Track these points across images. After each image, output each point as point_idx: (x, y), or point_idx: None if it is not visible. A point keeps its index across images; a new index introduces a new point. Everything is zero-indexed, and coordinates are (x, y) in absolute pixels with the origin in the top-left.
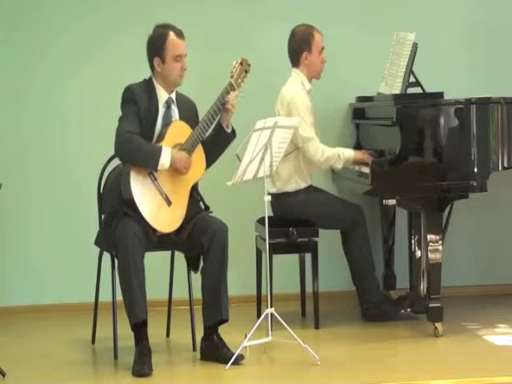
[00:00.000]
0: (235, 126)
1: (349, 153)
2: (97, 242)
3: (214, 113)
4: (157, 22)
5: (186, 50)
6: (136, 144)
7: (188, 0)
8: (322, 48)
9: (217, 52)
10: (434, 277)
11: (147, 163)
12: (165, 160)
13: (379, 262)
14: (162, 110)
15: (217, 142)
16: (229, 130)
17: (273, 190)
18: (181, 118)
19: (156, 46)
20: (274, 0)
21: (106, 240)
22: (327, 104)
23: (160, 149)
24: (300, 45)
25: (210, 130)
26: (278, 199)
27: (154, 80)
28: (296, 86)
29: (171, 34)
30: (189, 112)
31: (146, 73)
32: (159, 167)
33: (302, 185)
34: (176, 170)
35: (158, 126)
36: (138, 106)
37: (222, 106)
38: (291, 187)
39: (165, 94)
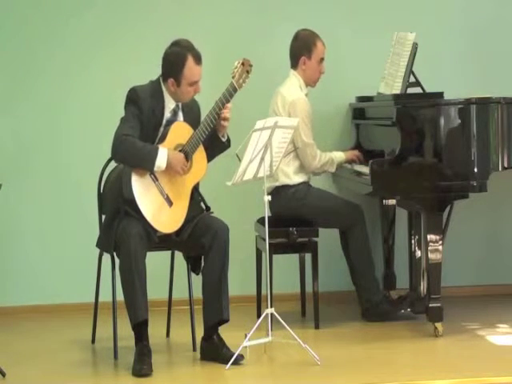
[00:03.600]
0: (236, 125)
1: (340, 156)
2: (98, 245)
3: (216, 113)
4: (161, 24)
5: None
6: (131, 145)
7: (193, 3)
8: (322, 59)
9: (220, 55)
10: (434, 277)
11: (143, 164)
12: (161, 161)
13: (379, 262)
14: (167, 115)
15: (210, 148)
16: (224, 139)
17: (274, 184)
18: (185, 120)
19: (173, 68)
20: (278, 1)
21: (108, 240)
22: (327, 104)
23: (156, 150)
24: (300, 48)
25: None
26: (279, 191)
27: (163, 86)
28: (296, 88)
29: (190, 60)
30: (192, 114)
31: (151, 74)
32: (155, 168)
33: (303, 179)
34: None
35: (161, 129)
36: (141, 108)
37: (223, 108)
38: (292, 181)
39: (172, 101)
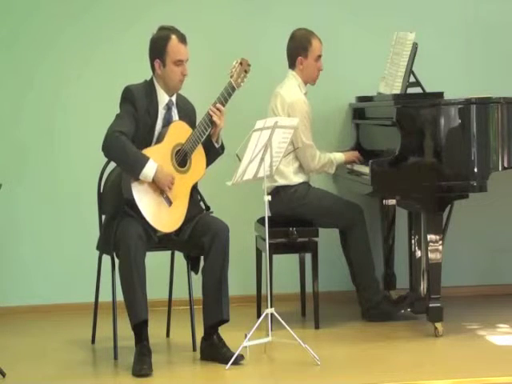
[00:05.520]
0: (236, 125)
1: (340, 157)
2: (98, 247)
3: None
4: (159, 23)
5: (188, 55)
6: (122, 146)
7: (192, 3)
8: (319, 56)
9: (218, 54)
10: (434, 277)
11: (130, 170)
12: (148, 173)
13: (379, 262)
14: (162, 112)
15: (205, 154)
16: (217, 145)
17: (274, 184)
18: (180, 117)
19: (157, 48)
20: (276, 0)
21: (107, 241)
22: (327, 104)
23: (146, 160)
24: (296, 49)
25: (209, 130)
26: (279, 191)
27: (155, 81)
28: (295, 89)
29: (173, 38)
30: (188, 114)
31: (148, 73)
32: (141, 177)
33: (303, 179)
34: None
35: (157, 127)
36: (136, 107)
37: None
38: (292, 181)
39: (165, 96)
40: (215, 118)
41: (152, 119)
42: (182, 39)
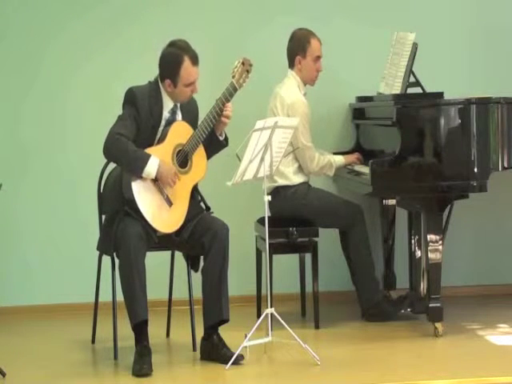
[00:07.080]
0: (236, 125)
1: (340, 160)
2: (98, 247)
3: (216, 113)
4: (161, 23)
5: (199, 74)
6: (123, 147)
7: (191, 2)
8: (318, 57)
9: (218, 53)
10: (434, 277)
11: (132, 169)
12: (150, 170)
13: (379, 262)
14: (166, 115)
15: (208, 147)
16: (221, 138)
17: (274, 184)
18: (183, 119)
19: (170, 69)
20: (276, 0)
21: (108, 241)
22: (327, 104)
23: (148, 157)
24: (295, 48)
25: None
26: (279, 192)
27: (160, 86)
28: (295, 89)
29: (186, 61)
30: (191, 113)
31: (149, 75)
32: (144, 175)
33: (303, 180)
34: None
35: (160, 129)
36: (138, 109)
37: (223, 107)
38: (292, 182)
39: (171, 101)
40: (228, 113)
41: (155, 121)
42: (195, 60)
